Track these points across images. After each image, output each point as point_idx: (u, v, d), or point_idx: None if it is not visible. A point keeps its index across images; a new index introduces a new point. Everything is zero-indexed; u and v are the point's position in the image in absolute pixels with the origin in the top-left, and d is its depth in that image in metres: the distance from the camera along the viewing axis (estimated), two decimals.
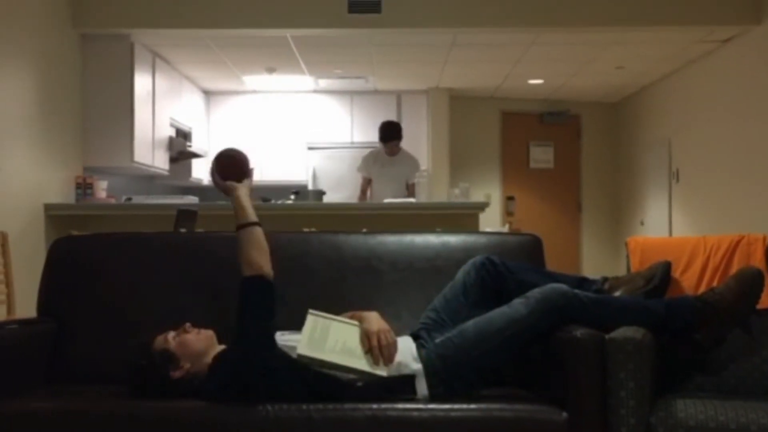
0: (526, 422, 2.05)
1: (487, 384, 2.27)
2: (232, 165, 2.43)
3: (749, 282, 2.30)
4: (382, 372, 2.18)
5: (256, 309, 2.21)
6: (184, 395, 2.16)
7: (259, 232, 2.30)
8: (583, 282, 2.54)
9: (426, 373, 2.21)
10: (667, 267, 2.61)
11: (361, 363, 2.18)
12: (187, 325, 2.27)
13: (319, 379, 2.16)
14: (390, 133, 6.29)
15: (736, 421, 2.01)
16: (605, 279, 2.58)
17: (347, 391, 2.15)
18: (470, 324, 2.28)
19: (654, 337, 2.18)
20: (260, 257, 2.26)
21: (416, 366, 2.22)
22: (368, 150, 6.94)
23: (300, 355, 2.17)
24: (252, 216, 2.31)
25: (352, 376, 2.18)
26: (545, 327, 2.24)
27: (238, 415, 2.07)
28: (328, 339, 2.21)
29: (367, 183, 6.52)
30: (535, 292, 2.28)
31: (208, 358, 2.22)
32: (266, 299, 2.23)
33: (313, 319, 2.25)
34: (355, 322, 2.28)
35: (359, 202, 6.40)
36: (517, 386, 2.33)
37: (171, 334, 2.25)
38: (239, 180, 2.39)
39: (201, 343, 2.25)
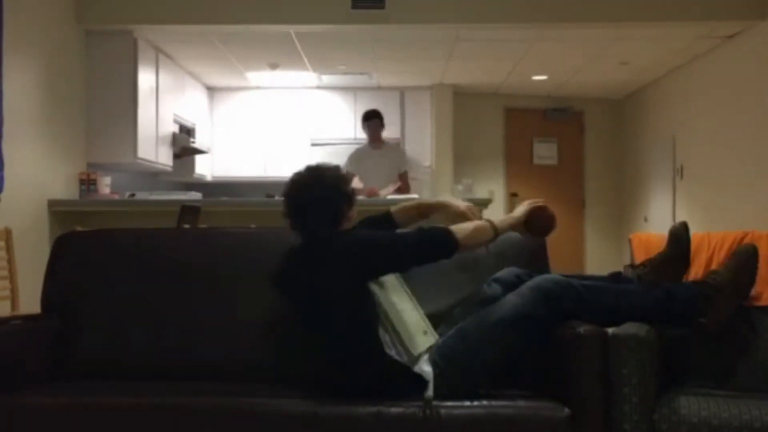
0: (528, 419, 2.04)
1: (492, 383, 2.25)
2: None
3: (745, 257, 2.36)
4: (414, 351, 2.20)
5: (433, 246, 2.25)
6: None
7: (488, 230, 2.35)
8: (616, 279, 2.51)
9: (434, 376, 2.20)
10: (685, 228, 2.59)
11: (405, 334, 2.22)
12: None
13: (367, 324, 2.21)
14: (370, 113, 6.43)
15: (739, 418, 2.01)
16: (638, 276, 2.52)
17: (379, 351, 2.17)
18: (468, 321, 2.27)
19: (657, 332, 2.18)
20: (473, 238, 2.30)
21: (427, 369, 2.21)
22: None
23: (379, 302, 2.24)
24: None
25: (388, 341, 2.21)
26: (542, 316, 2.23)
27: (243, 410, 2.07)
28: (394, 301, 2.28)
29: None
30: (529, 283, 2.29)
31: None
32: (441, 252, 2.26)
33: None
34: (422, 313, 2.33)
35: None
36: (521, 384, 2.32)
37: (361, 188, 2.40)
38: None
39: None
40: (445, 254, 2.26)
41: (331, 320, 2.20)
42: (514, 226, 2.43)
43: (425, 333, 2.27)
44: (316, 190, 2.33)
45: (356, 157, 6.51)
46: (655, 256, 2.61)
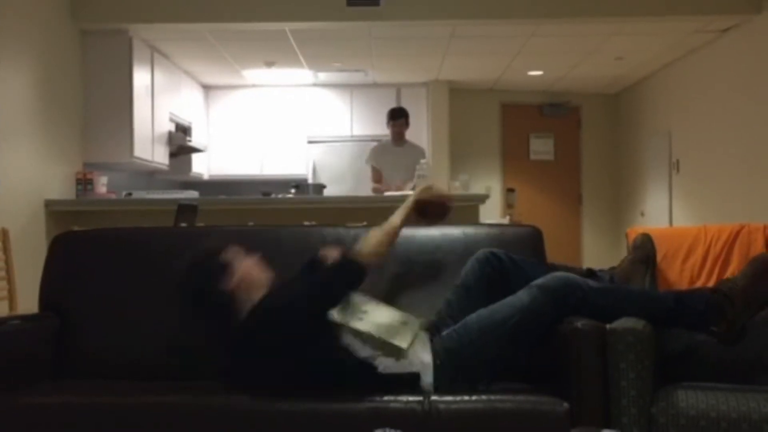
0: (527, 413, 2.05)
1: (493, 378, 2.25)
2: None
3: (762, 266, 2.26)
4: (402, 344, 2.19)
5: (341, 285, 2.23)
6: (212, 312, 2.20)
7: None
8: (590, 275, 2.52)
9: (434, 366, 2.21)
10: (651, 241, 2.66)
11: (386, 334, 2.21)
12: (260, 255, 2.31)
13: (343, 352, 2.17)
14: (398, 110, 6.38)
15: (737, 410, 2.02)
16: (611, 278, 2.56)
17: (366, 371, 2.16)
18: (474, 316, 2.27)
19: (655, 328, 2.18)
20: (376, 254, 2.32)
21: (427, 359, 2.22)
22: (368, 143, 6.94)
23: (331, 321, 2.21)
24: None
25: (372, 351, 2.19)
26: (549, 316, 2.23)
27: (243, 409, 2.07)
28: (364, 310, 2.27)
29: (379, 173, 6.49)
30: (538, 281, 2.27)
31: (253, 296, 2.21)
32: (351, 285, 2.25)
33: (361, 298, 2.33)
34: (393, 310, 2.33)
35: (375, 192, 6.36)
36: (520, 378, 2.32)
37: (243, 253, 2.27)
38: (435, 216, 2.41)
39: (261, 276, 2.27)
40: (355, 284, 2.25)
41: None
42: (407, 217, 2.43)
43: (405, 323, 2.27)
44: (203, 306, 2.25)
45: (379, 151, 6.50)
46: (623, 260, 2.67)
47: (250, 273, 2.25)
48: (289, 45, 6.81)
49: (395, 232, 2.39)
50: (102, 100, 5.94)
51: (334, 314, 2.22)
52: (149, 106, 6.53)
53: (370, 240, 2.32)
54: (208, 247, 2.28)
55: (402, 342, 2.20)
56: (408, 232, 2.72)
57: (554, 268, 2.51)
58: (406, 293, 2.59)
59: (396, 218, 2.40)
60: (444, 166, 8.37)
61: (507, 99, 9.22)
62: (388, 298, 2.51)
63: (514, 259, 2.43)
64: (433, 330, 2.33)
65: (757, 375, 2.26)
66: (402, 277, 2.62)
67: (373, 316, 2.27)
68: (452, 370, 2.20)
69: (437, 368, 2.20)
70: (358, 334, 2.20)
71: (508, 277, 2.40)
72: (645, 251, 2.65)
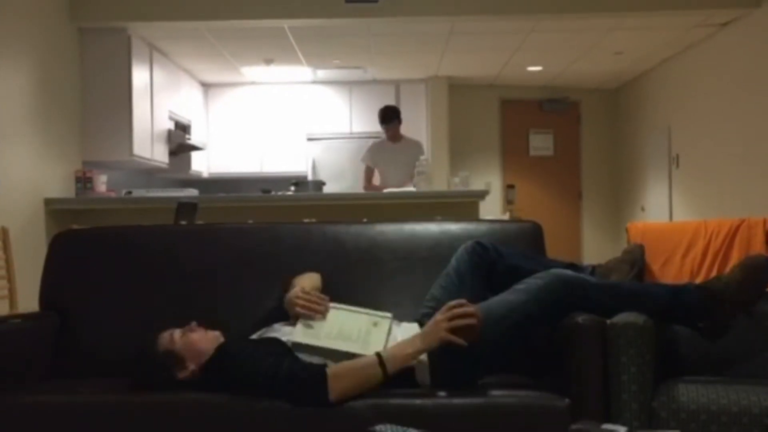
0: (528, 409, 2.05)
1: (489, 372, 2.25)
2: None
3: (755, 271, 2.23)
4: (367, 351, 2.16)
5: (297, 395, 2.06)
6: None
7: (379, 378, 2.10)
8: (572, 269, 2.51)
9: (429, 362, 2.20)
10: (642, 250, 2.66)
11: (354, 346, 2.17)
12: (194, 324, 2.26)
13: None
14: (389, 113, 6.34)
15: (738, 404, 2.02)
16: (593, 270, 2.57)
17: None
18: None
19: (655, 323, 2.18)
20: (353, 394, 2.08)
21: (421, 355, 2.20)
22: (368, 140, 6.93)
23: (294, 344, 2.19)
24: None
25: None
26: (547, 314, 2.22)
27: (246, 408, 2.07)
28: (325, 326, 2.22)
29: (371, 172, 6.50)
30: (537, 279, 2.25)
31: (204, 358, 2.21)
32: (306, 402, 2.06)
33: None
34: (361, 309, 2.29)
35: (366, 191, 6.37)
36: (521, 373, 2.32)
37: (177, 334, 2.23)
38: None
39: (207, 343, 2.23)
40: (308, 404, 2.03)
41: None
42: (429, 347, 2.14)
43: (375, 324, 2.25)
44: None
45: (375, 150, 6.50)
46: (611, 259, 2.72)
47: (197, 348, 2.21)
48: (288, 42, 6.80)
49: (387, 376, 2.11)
50: (101, 98, 5.94)
51: (299, 335, 2.20)
52: (148, 104, 6.53)
53: (354, 378, 2.08)
54: (144, 343, 2.23)
55: (374, 348, 2.15)
56: (407, 228, 2.72)
57: (536, 258, 2.51)
58: (407, 289, 2.59)
59: (420, 344, 2.14)
60: (443, 163, 8.37)
61: (506, 95, 9.22)
62: (386, 294, 2.52)
63: (498, 249, 2.43)
64: (425, 321, 2.32)
65: (731, 367, 2.28)
66: (402, 273, 2.62)
67: (341, 326, 2.24)
68: (450, 366, 2.18)
69: (433, 363, 2.18)
70: (329, 353, 2.17)
71: (493, 265, 2.41)
72: (633, 256, 2.66)
